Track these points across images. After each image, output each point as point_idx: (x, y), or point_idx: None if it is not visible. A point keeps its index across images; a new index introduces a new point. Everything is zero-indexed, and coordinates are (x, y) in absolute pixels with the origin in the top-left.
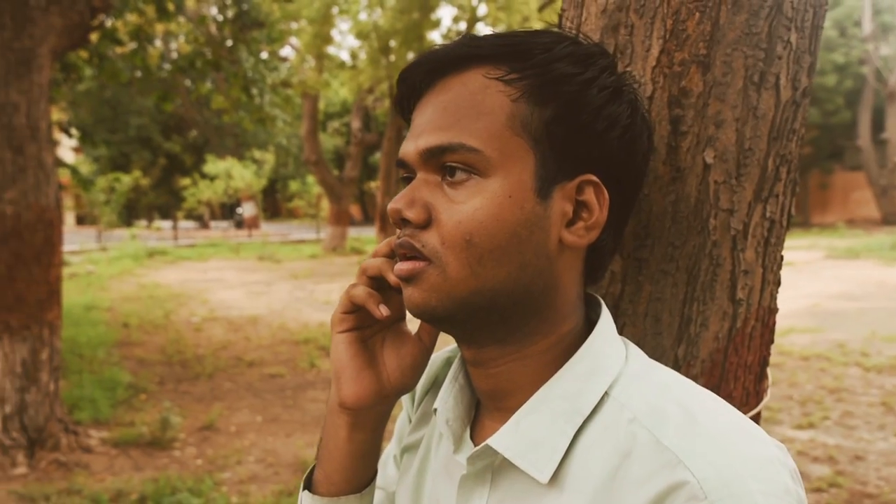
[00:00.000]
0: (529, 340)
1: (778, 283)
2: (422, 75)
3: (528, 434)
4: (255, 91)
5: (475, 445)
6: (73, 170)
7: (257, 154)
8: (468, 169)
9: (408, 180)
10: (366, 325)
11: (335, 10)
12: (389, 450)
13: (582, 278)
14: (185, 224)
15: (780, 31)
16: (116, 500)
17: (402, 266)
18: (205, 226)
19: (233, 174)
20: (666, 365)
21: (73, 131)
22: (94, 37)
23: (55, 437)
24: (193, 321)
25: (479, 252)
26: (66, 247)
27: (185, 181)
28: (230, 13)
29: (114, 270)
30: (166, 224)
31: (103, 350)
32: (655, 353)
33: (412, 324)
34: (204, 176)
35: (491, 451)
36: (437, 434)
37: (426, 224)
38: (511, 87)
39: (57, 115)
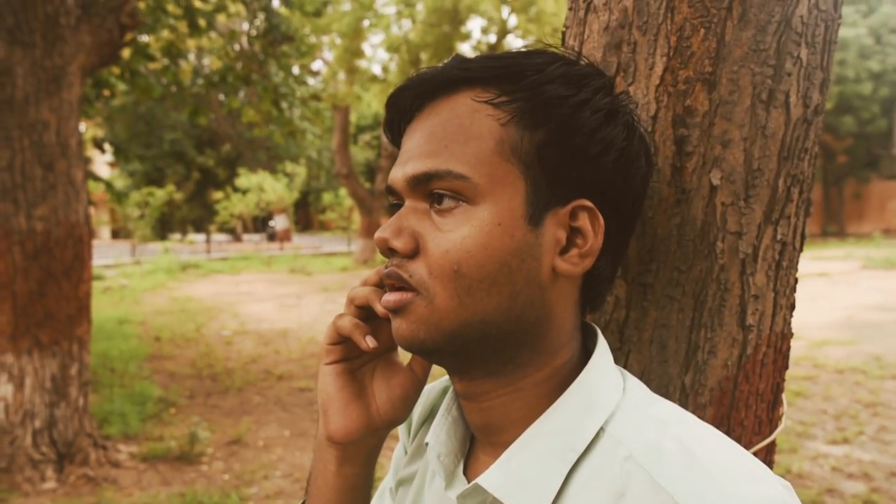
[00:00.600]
0: (522, 373)
1: (792, 308)
2: (411, 99)
3: (519, 472)
4: (284, 105)
5: (468, 481)
6: (108, 184)
7: (289, 167)
8: (456, 196)
9: (397, 207)
10: (354, 355)
11: (366, 23)
12: (386, 482)
13: (578, 308)
14: (218, 237)
15: (789, 47)
16: None
17: (389, 297)
18: (237, 239)
19: (265, 187)
20: (673, 393)
21: (107, 146)
22: (126, 53)
23: (84, 451)
24: (224, 334)
25: (468, 282)
26: (101, 261)
27: (218, 195)
28: (260, 28)
29: (147, 284)
30: (200, 237)
31: (135, 364)
32: (662, 382)
33: (405, 354)
34: (236, 189)
35: (481, 489)
36: (431, 469)
37: (413, 253)
38: (500, 111)
39: (92, 130)
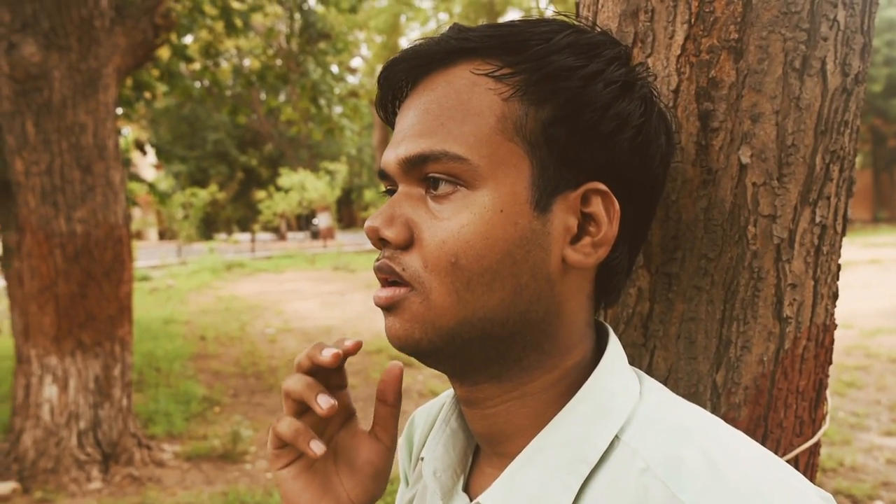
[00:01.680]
0: (529, 376)
1: (835, 297)
2: (404, 73)
3: (524, 490)
4: (323, 102)
5: (471, 498)
6: (151, 185)
7: (330, 166)
8: (453, 180)
9: (391, 194)
10: None
11: (403, 18)
12: None
13: (591, 303)
14: (262, 236)
15: (824, 9)
16: None
17: (381, 294)
18: (282, 237)
19: (306, 186)
20: (704, 393)
21: (148, 148)
22: (164, 54)
23: (129, 451)
24: (268, 333)
25: (467, 276)
26: (148, 262)
27: (262, 194)
28: (297, 25)
29: (193, 284)
30: (244, 237)
31: (179, 363)
32: (691, 380)
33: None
34: (279, 189)
35: None
36: (431, 489)
37: (407, 244)
38: (502, 85)
39: (136, 133)
